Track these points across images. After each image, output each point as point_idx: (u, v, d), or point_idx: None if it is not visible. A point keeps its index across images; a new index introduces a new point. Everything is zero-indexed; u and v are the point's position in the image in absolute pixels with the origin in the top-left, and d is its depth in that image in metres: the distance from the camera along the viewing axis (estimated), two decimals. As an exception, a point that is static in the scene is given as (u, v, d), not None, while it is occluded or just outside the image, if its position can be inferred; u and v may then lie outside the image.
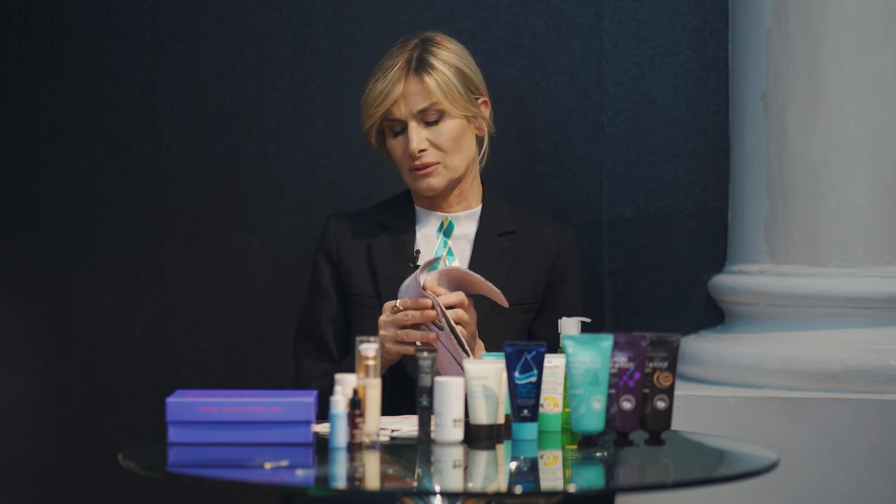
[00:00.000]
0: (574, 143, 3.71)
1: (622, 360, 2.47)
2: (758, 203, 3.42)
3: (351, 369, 2.53)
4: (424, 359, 2.46)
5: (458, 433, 2.46)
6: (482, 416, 2.48)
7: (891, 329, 3.30)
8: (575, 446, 2.49)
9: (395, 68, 2.97)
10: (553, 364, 2.56)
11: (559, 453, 2.48)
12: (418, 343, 2.76)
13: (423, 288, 2.76)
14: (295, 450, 2.41)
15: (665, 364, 2.49)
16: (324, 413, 2.52)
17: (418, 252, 3.02)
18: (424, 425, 2.47)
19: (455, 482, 2.30)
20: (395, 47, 3.02)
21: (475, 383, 2.48)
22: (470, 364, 2.49)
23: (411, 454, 2.43)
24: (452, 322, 2.73)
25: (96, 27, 3.79)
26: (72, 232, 3.80)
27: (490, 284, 2.79)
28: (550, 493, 2.29)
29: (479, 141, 3.08)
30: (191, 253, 3.78)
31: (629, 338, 2.47)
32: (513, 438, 2.48)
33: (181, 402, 2.43)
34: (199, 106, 3.78)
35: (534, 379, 2.47)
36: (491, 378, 2.48)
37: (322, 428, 2.53)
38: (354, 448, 2.40)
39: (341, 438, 2.40)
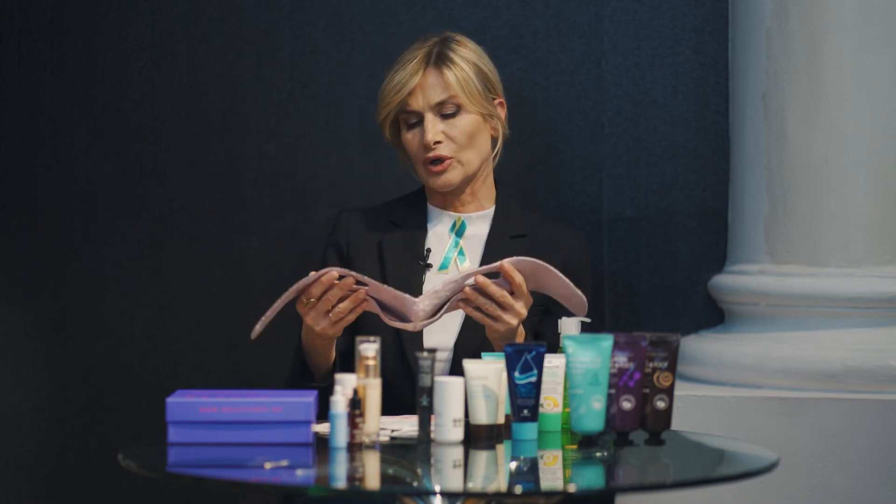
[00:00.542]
0: (574, 143, 3.71)
1: (622, 360, 2.47)
2: (758, 203, 3.42)
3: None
4: (424, 359, 2.46)
5: (458, 433, 2.46)
6: (482, 416, 2.48)
7: (891, 329, 3.30)
8: (575, 446, 2.49)
9: (415, 61, 2.98)
10: (553, 364, 2.56)
11: (559, 453, 2.48)
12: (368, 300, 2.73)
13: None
14: (295, 450, 2.40)
15: (665, 364, 2.49)
16: (323, 413, 2.52)
17: (429, 250, 3.01)
18: (424, 425, 2.47)
19: (455, 482, 2.30)
20: (415, 43, 3.03)
21: (475, 383, 2.48)
22: (470, 364, 2.49)
23: (411, 454, 2.43)
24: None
25: (96, 27, 3.79)
26: (72, 232, 3.80)
27: (569, 287, 2.73)
28: (550, 493, 2.29)
29: (493, 142, 3.07)
30: (191, 253, 3.78)
31: (629, 338, 2.47)
32: (513, 438, 2.48)
33: (181, 402, 2.43)
34: (199, 106, 3.78)
35: (534, 379, 2.47)
36: (491, 378, 2.48)
37: (322, 428, 2.53)
38: (354, 448, 2.40)
39: (341, 438, 2.40)
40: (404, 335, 2.93)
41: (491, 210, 3.06)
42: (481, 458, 2.42)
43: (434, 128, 2.96)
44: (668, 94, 3.69)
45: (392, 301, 2.73)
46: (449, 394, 2.45)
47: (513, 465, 2.38)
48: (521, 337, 2.83)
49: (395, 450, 2.46)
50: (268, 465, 2.30)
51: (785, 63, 3.35)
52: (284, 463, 2.32)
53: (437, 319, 2.74)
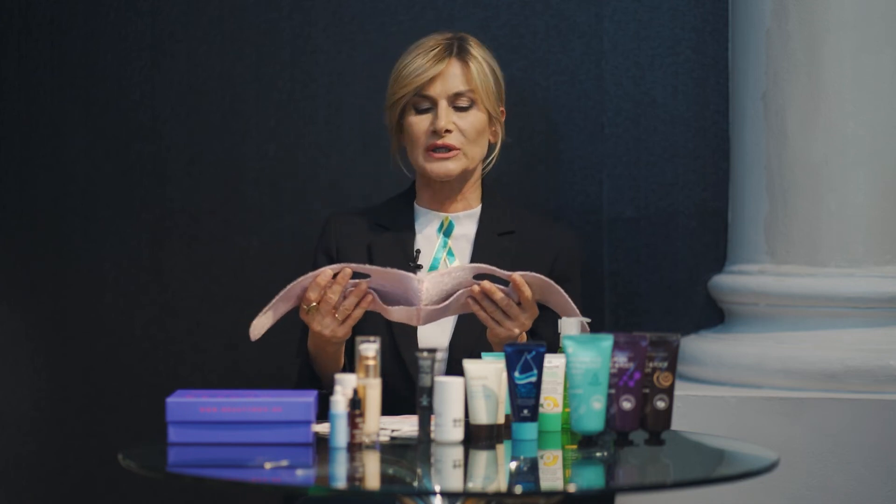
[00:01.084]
0: (574, 143, 3.71)
1: (622, 360, 2.47)
2: (758, 203, 3.42)
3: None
4: (424, 359, 2.46)
5: (458, 433, 2.46)
6: (482, 416, 2.48)
7: (891, 329, 3.30)
8: (575, 446, 2.48)
9: (438, 49, 2.98)
10: (553, 364, 2.56)
11: (559, 453, 2.48)
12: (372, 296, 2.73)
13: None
14: (295, 450, 2.40)
15: (665, 364, 2.49)
16: (323, 413, 2.52)
17: (418, 251, 3.01)
18: (424, 425, 2.47)
19: (455, 482, 2.30)
20: (430, 35, 3.03)
21: (475, 383, 2.48)
22: (470, 364, 2.49)
23: (411, 454, 2.43)
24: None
25: (96, 27, 3.79)
26: (72, 232, 3.80)
27: (569, 304, 2.74)
28: (550, 493, 2.29)
29: (491, 147, 3.07)
30: (191, 253, 3.78)
31: (629, 338, 2.47)
32: (513, 438, 2.48)
33: (181, 402, 2.43)
34: (199, 106, 3.78)
35: (534, 379, 2.47)
36: (491, 378, 2.48)
37: (322, 428, 2.53)
38: (354, 448, 2.40)
39: (341, 438, 2.40)
40: (399, 336, 2.93)
41: (478, 209, 3.06)
42: (481, 458, 2.42)
43: (447, 116, 2.96)
44: (668, 94, 3.69)
45: (395, 285, 2.72)
46: (449, 394, 2.45)
47: (513, 465, 2.38)
48: (520, 339, 2.84)
49: (395, 450, 2.46)
50: (268, 465, 2.30)
51: (785, 63, 3.35)
52: (284, 463, 2.31)
53: (442, 309, 2.74)
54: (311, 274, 2.73)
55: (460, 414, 2.47)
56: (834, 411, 3.21)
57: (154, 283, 3.78)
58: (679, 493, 2.95)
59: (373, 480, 2.28)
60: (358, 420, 2.40)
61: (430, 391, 2.46)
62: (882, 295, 3.27)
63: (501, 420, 2.51)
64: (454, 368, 2.86)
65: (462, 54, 3.00)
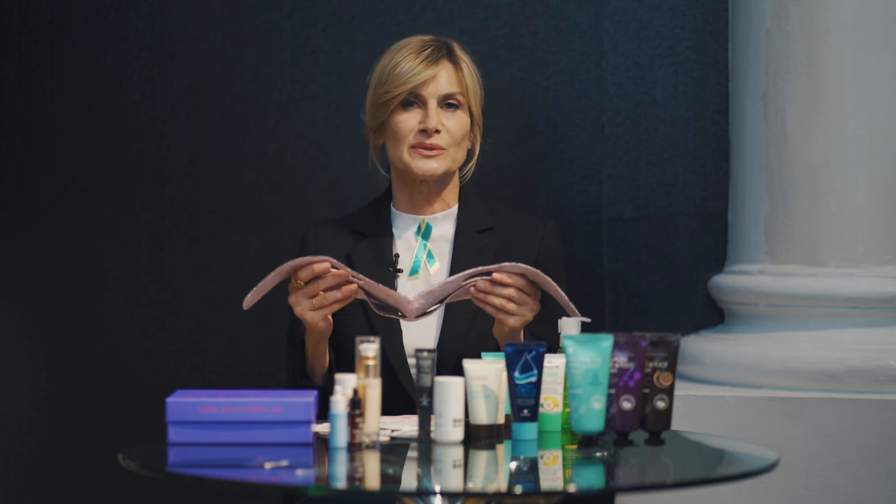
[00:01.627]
0: (574, 143, 3.71)
1: (622, 360, 2.46)
2: (758, 203, 3.42)
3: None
4: (424, 359, 2.46)
5: (458, 433, 2.46)
6: (482, 416, 2.48)
7: (891, 329, 3.30)
8: (575, 446, 2.48)
9: (430, 50, 2.97)
10: (553, 364, 2.56)
11: (559, 453, 2.48)
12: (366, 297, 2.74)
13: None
14: (295, 450, 2.40)
15: (665, 364, 2.49)
16: (323, 413, 2.52)
17: (397, 256, 3.01)
18: (424, 425, 2.47)
19: (455, 482, 2.30)
20: (415, 36, 3.03)
21: (475, 383, 2.48)
22: (470, 364, 2.49)
23: (411, 454, 2.43)
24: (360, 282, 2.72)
25: (96, 27, 3.80)
26: (72, 232, 3.80)
27: (565, 300, 2.73)
28: (550, 493, 2.29)
29: (469, 154, 3.07)
30: (191, 253, 3.78)
31: (629, 338, 2.47)
32: (513, 438, 2.48)
33: (181, 402, 2.43)
34: (199, 106, 3.79)
35: (534, 379, 2.47)
36: (491, 378, 2.48)
37: (322, 428, 2.53)
38: (354, 448, 2.40)
39: (341, 438, 2.40)
40: (385, 338, 2.93)
41: (455, 208, 3.05)
42: (481, 458, 2.42)
43: (437, 116, 2.96)
44: (668, 94, 3.69)
45: (386, 298, 2.73)
46: (449, 394, 2.45)
47: (513, 465, 2.38)
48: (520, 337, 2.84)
49: (395, 450, 2.46)
50: (268, 465, 2.30)
51: (785, 63, 3.35)
52: (284, 463, 2.32)
53: (433, 311, 2.74)
54: (311, 258, 2.72)
55: (460, 414, 2.46)
56: (834, 411, 3.21)
57: (154, 283, 3.79)
58: (679, 493, 2.95)
59: (373, 480, 2.28)
60: (358, 420, 2.40)
61: (430, 391, 2.46)
62: (882, 295, 3.27)
63: (501, 420, 2.51)
64: (442, 370, 2.86)
65: (453, 57, 3.00)
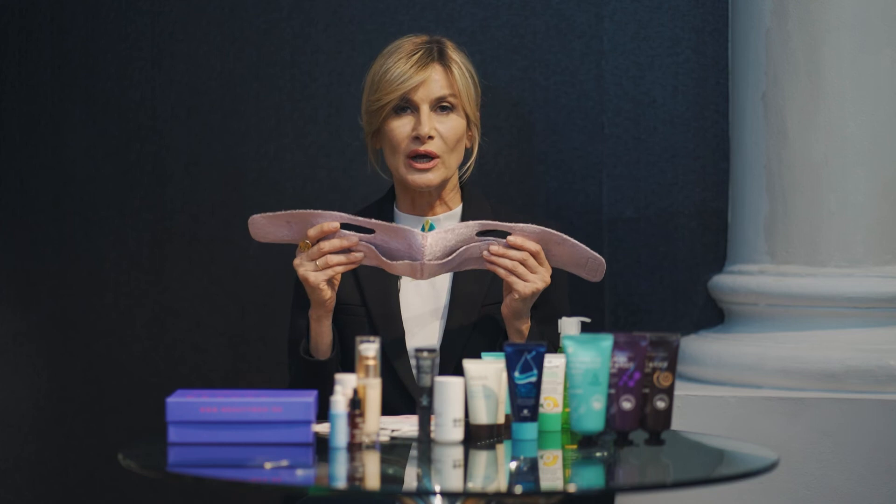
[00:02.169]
0: (574, 143, 3.71)
1: (622, 360, 2.46)
2: (758, 203, 3.42)
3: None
4: (424, 359, 2.46)
5: (458, 433, 2.46)
6: (482, 416, 2.48)
7: (891, 329, 3.30)
8: (575, 446, 2.48)
9: (420, 53, 2.96)
10: (553, 364, 2.56)
11: (559, 453, 2.48)
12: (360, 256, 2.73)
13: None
14: (295, 450, 2.40)
15: (665, 364, 2.49)
16: (323, 413, 2.52)
17: None
18: (424, 425, 2.47)
19: (455, 482, 2.30)
20: (407, 37, 3.02)
21: (475, 383, 2.48)
22: (470, 364, 2.50)
23: (411, 454, 2.43)
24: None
25: (96, 27, 3.80)
26: (72, 232, 3.80)
27: (587, 252, 2.75)
28: (550, 493, 2.29)
29: (468, 153, 3.06)
30: (191, 253, 3.78)
31: (629, 338, 2.47)
32: (513, 438, 2.48)
33: (181, 402, 2.43)
34: (199, 106, 3.79)
35: (534, 379, 2.47)
36: (491, 378, 2.48)
37: (322, 428, 2.53)
38: (354, 448, 2.40)
39: (341, 438, 2.40)
40: (387, 338, 2.92)
41: (458, 209, 3.05)
42: (481, 458, 2.42)
43: (430, 121, 2.95)
44: (668, 94, 3.69)
45: (399, 241, 2.71)
46: (449, 394, 2.45)
47: (513, 465, 2.38)
48: (526, 326, 2.83)
49: (395, 450, 2.46)
50: (268, 465, 2.30)
51: (785, 63, 3.35)
52: (284, 463, 2.32)
53: (445, 263, 2.73)
54: (321, 212, 2.72)
55: (460, 414, 2.47)
56: (834, 411, 3.21)
57: (154, 283, 3.79)
58: (679, 493, 2.95)
59: (373, 480, 2.28)
60: (358, 420, 2.40)
61: (430, 391, 2.46)
62: (882, 295, 3.27)
63: (501, 420, 2.51)
64: (445, 370, 2.85)
65: (444, 59, 2.97)
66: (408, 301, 2.92)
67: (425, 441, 2.46)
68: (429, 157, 2.94)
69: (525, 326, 2.83)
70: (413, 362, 2.86)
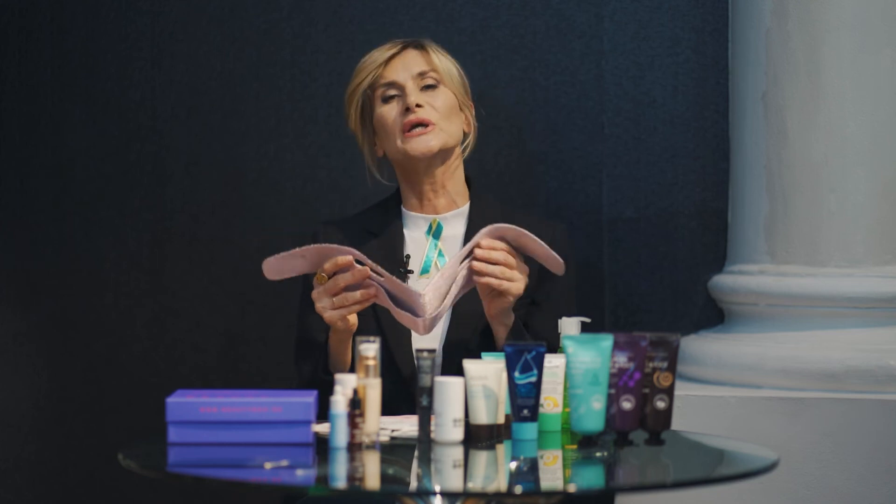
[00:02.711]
0: (574, 143, 3.71)
1: (622, 360, 2.47)
2: (758, 203, 3.42)
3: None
4: (424, 359, 2.46)
5: (458, 433, 2.46)
6: (482, 416, 2.48)
7: (891, 329, 3.30)
8: (575, 446, 2.49)
9: (392, 43, 3.04)
10: (553, 364, 2.56)
11: (559, 453, 2.48)
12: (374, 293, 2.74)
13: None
14: (295, 450, 2.41)
15: (665, 364, 2.49)
16: (323, 413, 2.52)
17: (408, 256, 3.01)
18: (424, 425, 2.47)
19: (455, 482, 2.30)
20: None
21: (475, 383, 2.48)
22: (470, 364, 2.50)
23: (411, 454, 2.43)
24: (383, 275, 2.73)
25: (96, 27, 3.79)
26: (72, 232, 3.80)
27: (547, 249, 2.76)
28: (550, 493, 2.29)
29: (465, 136, 3.08)
30: (191, 253, 3.78)
31: (629, 338, 2.47)
32: (513, 438, 2.48)
33: (181, 402, 2.43)
34: (199, 106, 3.79)
35: (534, 379, 2.47)
36: (491, 378, 2.48)
37: (322, 428, 2.53)
38: (354, 448, 2.40)
39: (341, 438, 2.40)
40: (392, 338, 2.93)
41: (465, 207, 3.06)
42: (481, 458, 2.42)
43: (416, 94, 2.97)
44: (668, 94, 3.69)
45: (401, 295, 2.73)
46: (449, 394, 2.45)
47: (513, 465, 2.39)
48: (511, 318, 2.84)
49: (395, 450, 2.46)
50: (268, 465, 2.30)
51: (785, 63, 3.35)
52: (284, 463, 2.32)
53: (445, 309, 2.74)
54: (337, 247, 2.73)
55: (460, 414, 2.47)
56: (834, 411, 3.21)
57: (154, 283, 3.79)
58: (679, 493, 2.95)
59: (373, 480, 2.28)
60: (358, 420, 2.40)
61: (430, 391, 2.46)
62: (882, 295, 3.27)
63: (501, 420, 2.51)
64: (448, 370, 2.86)
65: (420, 46, 3.03)
66: None
67: (425, 441, 2.46)
68: (423, 124, 2.96)
69: (510, 319, 2.85)
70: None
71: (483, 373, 2.48)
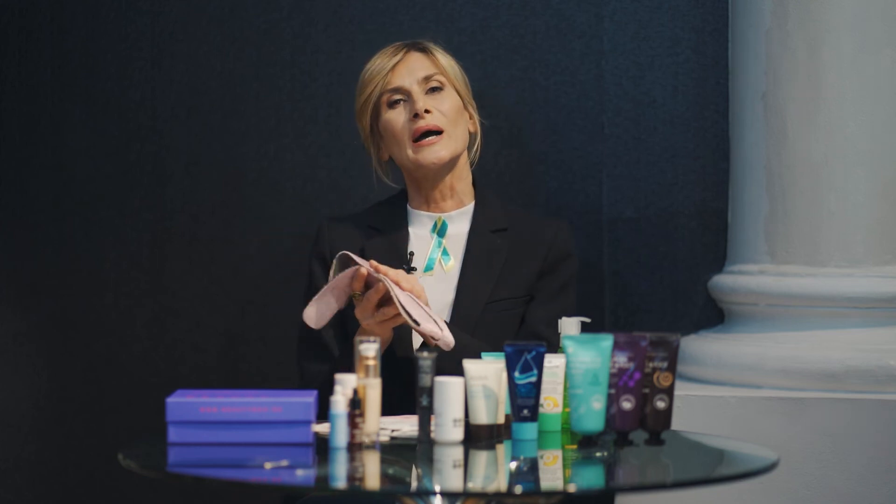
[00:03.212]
0: (574, 143, 3.71)
1: (622, 360, 2.47)
2: (758, 203, 3.42)
3: (348, 364, 2.54)
4: (424, 359, 2.46)
5: (458, 433, 2.46)
6: (482, 416, 2.48)
7: (891, 329, 3.30)
8: (575, 446, 2.49)
9: (397, 46, 3.03)
10: (553, 364, 2.56)
11: (559, 453, 2.48)
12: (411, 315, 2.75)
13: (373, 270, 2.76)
14: (295, 450, 2.40)
15: (665, 364, 2.49)
16: (325, 412, 2.52)
17: (412, 254, 3.01)
18: (424, 425, 2.47)
19: (455, 482, 2.30)
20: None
21: (475, 383, 2.48)
22: (470, 364, 2.50)
23: (411, 454, 2.43)
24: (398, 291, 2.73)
25: (96, 27, 3.79)
26: (72, 232, 3.80)
27: (431, 326, 2.75)
28: (550, 493, 2.29)
29: (471, 137, 3.08)
30: (191, 253, 3.78)
31: (629, 338, 2.47)
32: (513, 438, 2.48)
33: (181, 402, 2.43)
34: (199, 106, 3.79)
35: (534, 379, 2.47)
36: (491, 378, 2.48)
37: (322, 428, 2.53)
38: (354, 448, 2.40)
39: (341, 438, 2.40)
40: (394, 338, 2.93)
41: (470, 206, 3.06)
42: (481, 458, 2.42)
43: (423, 98, 2.98)
44: (668, 94, 3.69)
45: (418, 317, 2.75)
46: (449, 394, 2.45)
47: (513, 465, 2.39)
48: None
49: (395, 450, 2.46)
50: (268, 465, 2.30)
51: (785, 63, 3.35)
52: (284, 463, 2.32)
53: (438, 317, 2.75)
54: (351, 269, 2.74)
55: (460, 414, 2.47)
56: (834, 411, 3.21)
57: (154, 283, 3.78)
58: (679, 493, 2.95)
59: (373, 480, 2.28)
60: (358, 420, 2.40)
61: (430, 391, 2.46)
62: (882, 295, 3.27)
63: (501, 420, 2.51)
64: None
65: (422, 48, 3.03)
66: None
67: (425, 441, 2.46)
68: (432, 132, 2.96)
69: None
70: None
71: (483, 373, 2.48)
